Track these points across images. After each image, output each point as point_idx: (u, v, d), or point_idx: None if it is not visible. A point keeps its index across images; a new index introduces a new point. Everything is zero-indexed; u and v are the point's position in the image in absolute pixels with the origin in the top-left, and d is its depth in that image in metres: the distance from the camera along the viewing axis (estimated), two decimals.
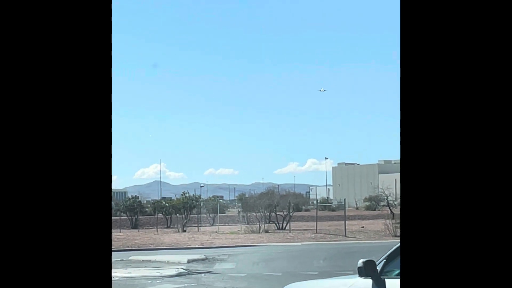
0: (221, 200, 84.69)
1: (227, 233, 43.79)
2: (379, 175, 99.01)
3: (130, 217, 57.61)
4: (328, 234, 41.38)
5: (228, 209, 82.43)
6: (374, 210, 69.78)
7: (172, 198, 66.89)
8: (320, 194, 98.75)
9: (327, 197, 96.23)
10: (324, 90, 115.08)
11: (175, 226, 52.44)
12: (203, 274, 20.59)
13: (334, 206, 72.14)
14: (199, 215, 57.16)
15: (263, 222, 45.59)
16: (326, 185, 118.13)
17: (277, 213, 49.01)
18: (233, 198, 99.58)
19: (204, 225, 54.62)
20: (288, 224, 46.31)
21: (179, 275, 20.54)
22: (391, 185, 68.70)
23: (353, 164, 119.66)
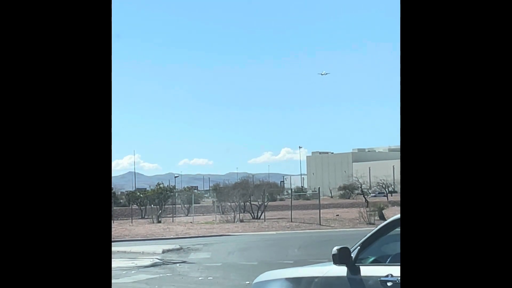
0: (195, 191, 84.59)
1: (202, 223, 43.79)
2: (353, 163, 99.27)
3: None
4: (303, 222, 41.52)
5: (203, 200, 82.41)
6: (349, 198, 70.11)
7: (147, 189, 66.63)
8: (294, 183, 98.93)
9: (302, 186, 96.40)
10: (326, 73, 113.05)
11: (150, 217, 52.30)
12: (178, 264, 20.58)
13: (308, 195, 72.29)
14: (174, 205, 57.02)
15: (238, 212, 45.63)
16: (301, 174, 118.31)
17: (252, 202, 49.09)
18: (208, 188, 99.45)
19: (179, 215, 54.52)
20: (263, 214, 46.39)
21: (154, 265, 20.52)
22: (365, 173, 69.03)
23: (327, 153, 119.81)
